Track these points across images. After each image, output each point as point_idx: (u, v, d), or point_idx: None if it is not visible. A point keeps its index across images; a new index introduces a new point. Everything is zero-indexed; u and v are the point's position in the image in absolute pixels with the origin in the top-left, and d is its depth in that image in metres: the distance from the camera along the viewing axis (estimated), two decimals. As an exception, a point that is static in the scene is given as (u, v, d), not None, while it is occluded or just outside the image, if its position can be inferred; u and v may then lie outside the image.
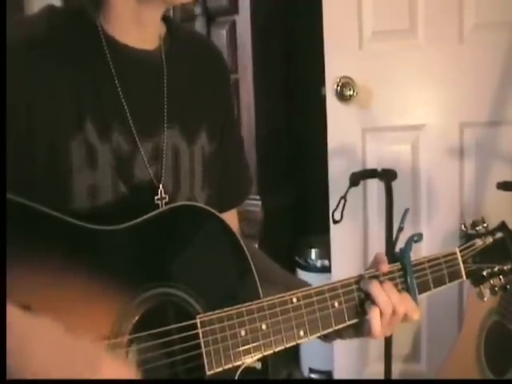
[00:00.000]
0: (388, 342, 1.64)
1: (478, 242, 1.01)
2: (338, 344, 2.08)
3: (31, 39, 0.81)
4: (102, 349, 0.72)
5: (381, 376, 1.67)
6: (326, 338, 0.96)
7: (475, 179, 1.91)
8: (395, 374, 1.80)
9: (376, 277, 0.91)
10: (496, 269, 1.01)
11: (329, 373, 2.26)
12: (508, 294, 1.50)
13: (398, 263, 0.94)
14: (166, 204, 0.88)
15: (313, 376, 2.36)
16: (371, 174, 1.61)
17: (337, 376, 2.12)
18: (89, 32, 0.85)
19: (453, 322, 1.95)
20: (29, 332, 0.67)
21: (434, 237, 1.80)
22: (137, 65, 0.89)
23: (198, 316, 0.80)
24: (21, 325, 0.67)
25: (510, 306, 1.50)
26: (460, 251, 1.00)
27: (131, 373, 0.73)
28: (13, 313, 0.67)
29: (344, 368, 2.11)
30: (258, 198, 2.20)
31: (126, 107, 0.86)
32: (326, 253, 2.17)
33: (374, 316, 0.88)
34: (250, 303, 0.83)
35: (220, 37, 2.16)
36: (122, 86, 0.86)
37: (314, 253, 2.31)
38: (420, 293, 0.94)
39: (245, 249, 0.86)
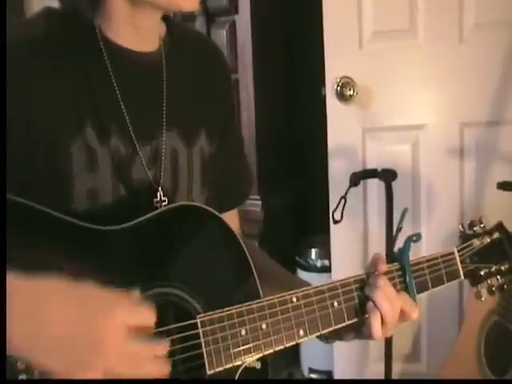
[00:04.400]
0: (388, 342, 1.64)
1: (476, 242, 1.01)
2: (338, 344, 2.08)
3: (28, 42, 0.81)
4: (113, 294, 0.71)
5: (381, 376, 1.67)
6: (327, 340, 0.96)
7: (475, 179, 1.91)
8: (395, 374, 1.80)
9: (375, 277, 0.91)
10: (493, 269, 1.01)
11: (329, 373, 2.26)
12: (508, 295, 1.50)
13: (396, 263, 0.94)
14: (165, 206, 0.88)
15: (313, 376, 2.36)
16: (371, 174, 1.61)
17: (337, 376, 2.12)
18: (86, 34, 0.85)
19: (453, 322, 1.95)
20: (37, 296, 0.67)
21: (433, 237, 1.80)
22: (135, 67, 0.88)
23: (198, 316, 0.80)
24: (26, 291, 0.66)
25: (510, 306, 1.50)
26: (458, 251, 1.00)
27: (148, 310, 0.72)
28: (15, 281, 0.66)
29: (344, 368, 2.11)
30: (258, 197, 2.20)
31: (124, 111, 0.86)
32: (326, 253, 2.17)
33: (374, 320, 0.87)
34: (250, 303, 0.83)
35: (220, 37, 2.16)
36: (121, 89, 0.85)
37: (314, 253, 2.31)
38: (418, 292, 0.94)
39: (245, 248, 0.86)
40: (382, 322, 0.88)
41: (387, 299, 0.88)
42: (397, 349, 1.73)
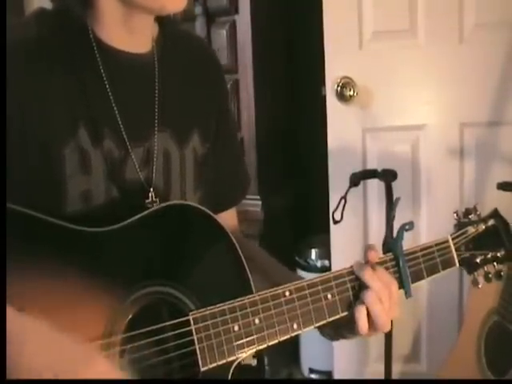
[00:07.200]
0: (388, 341, 1.63)
1: (471, 230, 1.01)
2: (338, 344, 2.09)
3: (21, 43, 0.81)
4: (91, 347, 0.72)
5: (381, 376, 1.67)
6: (332, 337, 0.96)
7: (475, 179, 1.91)
8: (395, 374, 1.80)
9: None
10: (489, 255, 1.01)
11: (329, 373, 2.26)
12: (508, 294, 1.50)
13: (390, 253, 0.94)
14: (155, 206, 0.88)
15: (313, 376, 2.36)
16: (371, 174, 1.61)
17: (337, 376, 2.12)
18: (79, 36, 0.85)
19: (453, 322, 1.95)
20: (19, 332, 0.67)
21: (433, 236, 1.80)
22: (128, 69, 0.89)
23: (190, 313, 0.80)
24: (12, 325, 0.67)
25: (510, 306, 1.50)
26: (452, 239, 1.00)
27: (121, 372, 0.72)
28: (7, 313, 0.67)
29: (344, 368, 2.11)
30: (258, 197, 2.20)
31: (116, 112, 0.86)
32: (325, 253, 2.17)
33: (371, 301, 0.87)
34: (242, 298, 0.83)
35: (220, 37, 2.15)
36: (113, 90, 0.86)
37: (314, 253, 2.31)
38: (413, 281, 0.94)
39: (236, 245, 0.86)
40: (380, 302, 0.87)
41: (375, 275, 0.88)
42: (397, 349, 1.73)
